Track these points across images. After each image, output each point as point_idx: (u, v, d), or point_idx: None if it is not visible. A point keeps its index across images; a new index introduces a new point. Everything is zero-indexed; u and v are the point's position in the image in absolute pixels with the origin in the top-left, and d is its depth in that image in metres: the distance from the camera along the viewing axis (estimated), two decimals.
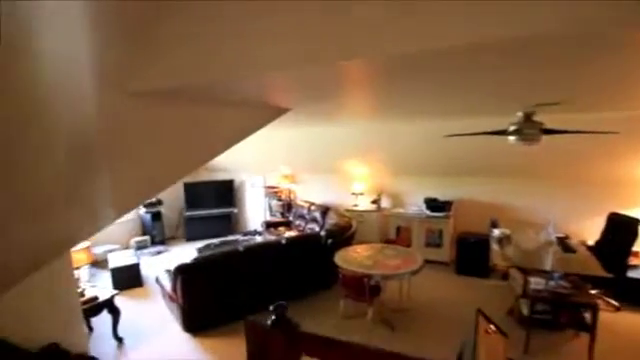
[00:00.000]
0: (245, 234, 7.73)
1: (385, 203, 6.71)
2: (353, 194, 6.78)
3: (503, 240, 4.76)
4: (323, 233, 4.71)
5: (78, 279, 3.61)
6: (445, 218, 5.77)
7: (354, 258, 4.18)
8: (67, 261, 2.97)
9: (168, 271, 4.40)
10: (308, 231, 6.35)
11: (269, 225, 7.00)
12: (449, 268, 5.76)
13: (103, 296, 3.75)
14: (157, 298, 4.97)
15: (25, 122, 1.35)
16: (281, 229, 6.90)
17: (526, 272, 3.97)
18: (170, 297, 3.91)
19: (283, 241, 4.38)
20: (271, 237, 6.58)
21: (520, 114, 2.97)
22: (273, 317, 2.22)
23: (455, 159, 5.53)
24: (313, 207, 6.68)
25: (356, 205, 6.73)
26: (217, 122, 1.99)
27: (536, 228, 4.98)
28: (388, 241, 5.15)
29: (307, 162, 7.25)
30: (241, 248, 4.11)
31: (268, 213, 7.84)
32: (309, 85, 1.73)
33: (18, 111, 1.32)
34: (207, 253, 4.16)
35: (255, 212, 8.23)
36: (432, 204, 5.92)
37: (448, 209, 5.85)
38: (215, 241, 6.83)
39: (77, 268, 3.57)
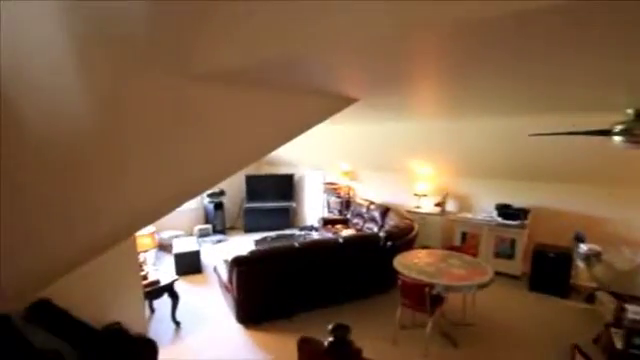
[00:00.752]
0: (302, 229, 7.70)
1: (450, 206, 6.25)
2: (415, 195, 6.41)
3: (591, 257, 4.16)
4: (382, 234, 4.47)
5: (142, 263, 3.77)
6: (519, 227, 5.20)
7: (415, 264, 3.88)
8: (132, 245, 3.08)
9: (225, 261, 4.45)
10: (366, 231, 6.12)
11: (326, 222, 6.88)
12: (520, 283, 5.19)
13: (164, 280, 3.88)
14: (214, 286, 5.08)
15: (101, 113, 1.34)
16: (338, 227, 6.75)
17: (620, 297, 3.39)
18: (226, 287, 3.94)
19: (340, 240, 4.22)
20: (327, 234, 6.46)
21: (630, 111, 2.47)
22: (331, 339, 1.86)
23: (534, 161, 4.94)
24: (372, 206, 6.43)
25: (418, 207, 6.35)
26: (282, 110, 1.86)
27: (634, 247, 4.28)
28: (452, 248, 4.75)
29: (368, 159, 7.00)
30: (297, 244, 4.01)
31: (326, 209, 7.73)
32: (380, 67, 1.51)
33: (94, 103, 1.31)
34: (263, 247, 4.13)
35: (313, 208, 8.18)
36: (505, 211, 5.37)
37: (523, 217, 5.26)
38: (272, 234, 6.88)
39: (143, 252, 3.73)
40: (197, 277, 5.46)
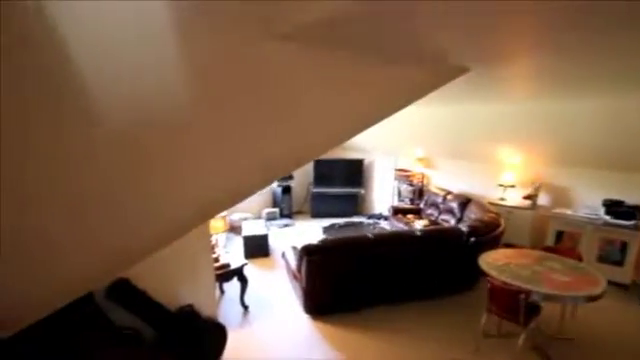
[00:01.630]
0: (370, 217, 7.40)
1: (542, 200, 5.49)
2: (500, 186, 5.74)
3: None
4: (465, 229, 4.00)
5: (214, 245, 3.77)
6: (633, 228, 4.38)
7: (506, 265, 3.40)
8: (205, 228, 3.04)
9: (294, 248, 4.33)
10: (442, 223, 5.64)
11: (397, 211, 6.49)
12: (629, 294, 4.40)
13: (234, 264, 3.86)
14: (281, 270, 5.02)
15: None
16: (409, 217, 6.33)
17: None
18: (294, 275, 3.82)
19: (417, 233, 3.85)
20: (398, 224, 6.08)
21: None
22: None
23: None
24: (450, 196, 5.91)
25: (503, 199, 5.69)
26: (379, 80, 1.54)
27: None
28: (547, 249, 4.12)
29: (446, 145, 6.43)
30: (371, 235, 3.73)
31: (396, 198, 7.33)
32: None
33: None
34: (334, 236, 3.91)
35: (382, 195, 7.81)
36: (615, 208, 4.56)
37: (639, 217, 4.42)
38: (340, 221, 6.68)
39: (215, 235, 3.73)
40: (264, 260, 5.46)
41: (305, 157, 1.65)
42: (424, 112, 5.87)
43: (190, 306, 2.94)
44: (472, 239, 3.98)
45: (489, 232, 4.15)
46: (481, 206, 5.17)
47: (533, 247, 4.88)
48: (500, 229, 4.32)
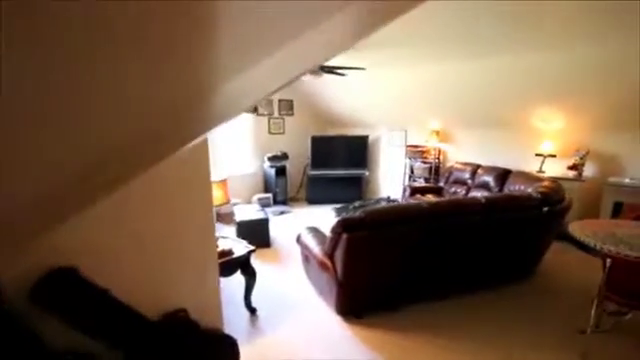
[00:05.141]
0: (377, 202, 6.43)
1: (588, 171, 4.71)
2: (538, 155, 4.93)
3: None
4: (536, 195, 3.10)
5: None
6: None
7: (612, 235, 2.50)
8: (206, 196, 1.95)
9: (312, 229, 3.29)
10: None
11: (414, 190, 5.55)
12: None
13: (238, 251, 2.77)
14: (289, 263, 3.98)
15: None
16: (429, 196, 5.41)
17: None
18: (321, 264, 2.77)
19: (482, 199, 2.90)
20: None
21: None
22: None
23: None
24: (480, 170, 5.03)
25: (542, 171, 4.87)
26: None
27: None
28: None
29: (468, 113, 5.55)
30: (425, 204, 2.75)
31: (407, 177, 6.40)
32: None
33: None
34: (377, 207, 2.89)
35: (390, 176, 6.86)
36: None
37: None
38: (355, 204, 5.66)
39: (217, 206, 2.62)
40: (265, 252, 4.37)
41: None
42: (440, 72, 4.99)
43: (183, 312, 1.85)
44: (545, 208, 3.08)
45: (561, 201, 3.27)
46: (527, 176, 4.32)
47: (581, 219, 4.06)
48: (568, 200, 3.45)
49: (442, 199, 3.48)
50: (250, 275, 2.87)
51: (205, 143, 1.86)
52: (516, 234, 3.10)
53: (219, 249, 2.66)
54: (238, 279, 2.95)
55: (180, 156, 1.69)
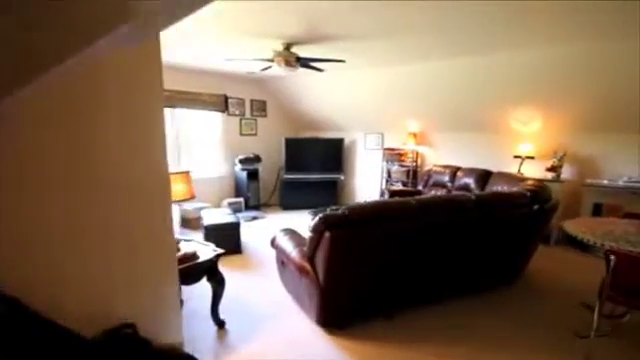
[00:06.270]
0: None
1: (565, 173, 4.67)
2: (517, 157, 4.87)
3: None
4: (526, 193, 2.94)
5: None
6: None
7: (610, 233, 2.35)
8: (163, 189, 1.59)
9: (288, 231, 2.98)
10: None
11: (393, 194, 5.35)
12: None
13: (204, 255, 2.41)
14: (262, 270, 3.64)
15: None
16: None
17: None
18: (300, 269, 2.45)
19: (472, 197, 2.70)
20: None
21: None
22: None
23: None
24: (460, 172, 4.89)
25: (520, 173, 4.79)
26: None
27: None
28: (629, 215, 3.23)
29: (446, 115, 5.45)
30: (413, 201, 2.51)
31: (384, 181, 6.21)
32: None
33: None
34: (361, 203, 2.62)
35: (367, 180, 6.65)
36: None
37: None
38: (333, 208, 5.36)
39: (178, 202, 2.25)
40: (236, 259, 4.01)
41: None
42: (416, 73, 4.87)
43: (129, 327, 1.48)
44: (535, 206, 2.93)
45: (549, 199, 3.13)
46: (509, 177, 4.19)
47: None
48: (555, 199, 3.33)
49: (430, 197, 3.26)
50: (218, 282, 2.51)
51: (161, 128, 1.52)
52: (507, 233, 2.91)
53: (181, 252, 2.30)
54: (204, 287, 2.58)
55: (130, 138, 1.36)
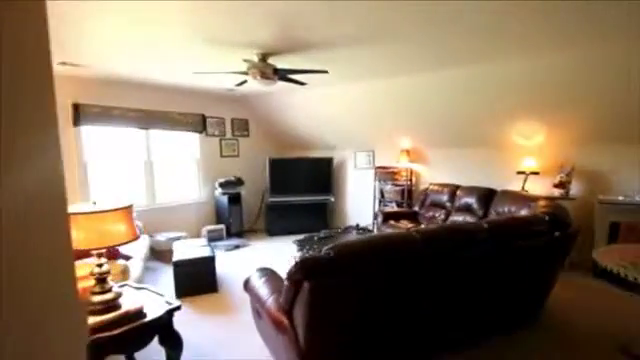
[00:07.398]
0: (346, 231, 5.71)
1: (575, 188, 4.28)
2: (520, 173, 4.46)
3: None
4: (545, 217, 2.50)
5: (104, 274, 1.79)
6: None
7: None
8: (59, 239, 1.09)
9: (264, 271, 2.49)
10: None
11: (387, 216, 4.89)
12: None
13: (154, 311, 1.90)
14: (237, 316, 3.11)
15: None
16: (403, 222, 4.77)
17: None
18: (276, 323, 1.96)
19: (484, 224, 2.24)
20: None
21: None
22: None
23: None
24: (460, 191, 4.47)
25: (525, 190, 4.39)
26: None
27: None
28: None
29: (438, 129, 5.06)
30: (416, 234, 2.03)
31: (377, 202, 5.75)
32: None
33: None
34: (350, 240, 2.12)
35: (358, 202, 6.19)
36: None
37: None
38: (321, 234, 4.89)
39: (103, 251, 1.74)
40: (210, 298, 3.48)
41: None
42: (407, 84, 4.50)
43: None
44: (556, 233, 2.48)
45: (569, 224, 2.69)
46: (516, 195, 3.77)
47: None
48: (574, 226, 2.89)
49: (434, 227, 2.79)
50: (173, 345, 1.99)
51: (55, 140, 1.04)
52: (526, 267, 2.45)
53: (121, 311, 1.78)
54: (156, 350, 2.06)
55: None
